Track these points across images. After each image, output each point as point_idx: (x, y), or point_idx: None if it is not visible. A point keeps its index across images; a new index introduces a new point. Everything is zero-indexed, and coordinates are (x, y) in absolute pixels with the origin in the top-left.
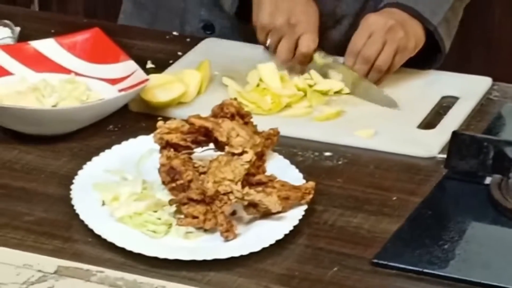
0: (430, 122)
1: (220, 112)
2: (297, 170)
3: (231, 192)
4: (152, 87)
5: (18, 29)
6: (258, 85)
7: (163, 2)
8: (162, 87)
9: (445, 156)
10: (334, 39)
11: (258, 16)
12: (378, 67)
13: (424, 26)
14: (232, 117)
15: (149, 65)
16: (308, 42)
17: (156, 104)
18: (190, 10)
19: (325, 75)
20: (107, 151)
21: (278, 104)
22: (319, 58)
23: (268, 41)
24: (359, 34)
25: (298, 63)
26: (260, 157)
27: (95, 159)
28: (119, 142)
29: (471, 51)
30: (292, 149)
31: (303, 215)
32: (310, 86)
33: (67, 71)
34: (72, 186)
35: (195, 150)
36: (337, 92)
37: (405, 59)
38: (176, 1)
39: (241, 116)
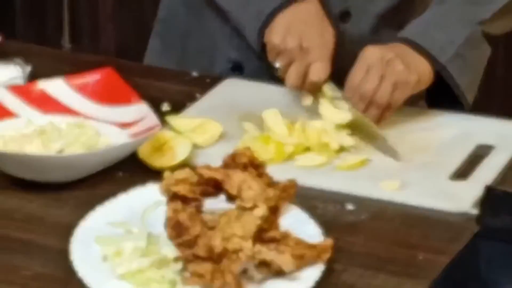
0: (462, 173)
1: (231, 162)
2: (315, 225)
3: (241, 250)
4: (153, 148)
5: (29, 68)
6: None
7: (192, 41)
8: (166, 145)
9: (477, 211)
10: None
11: (269, 36)
12: (376, 103)
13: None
14: (244, 168)
15: (165, 107)
16: (319, 71)
17: (156, 168)
18: (219, 50)
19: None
20: (112, 200)
21: (281, 154)
22: (328, 90)
23: (277, 64)
24: (356, 69)
25: (307, 91)
26: (274, 211)
27: (98, 209)
28: (127, 190)
29: None
30: (312, 200)
31: (320, 276)
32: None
33: (75, 113)
34: (71, 239)
35: (205, 201)
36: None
37: (406, 94)
38: (205, 41)
39: (255, 166)
